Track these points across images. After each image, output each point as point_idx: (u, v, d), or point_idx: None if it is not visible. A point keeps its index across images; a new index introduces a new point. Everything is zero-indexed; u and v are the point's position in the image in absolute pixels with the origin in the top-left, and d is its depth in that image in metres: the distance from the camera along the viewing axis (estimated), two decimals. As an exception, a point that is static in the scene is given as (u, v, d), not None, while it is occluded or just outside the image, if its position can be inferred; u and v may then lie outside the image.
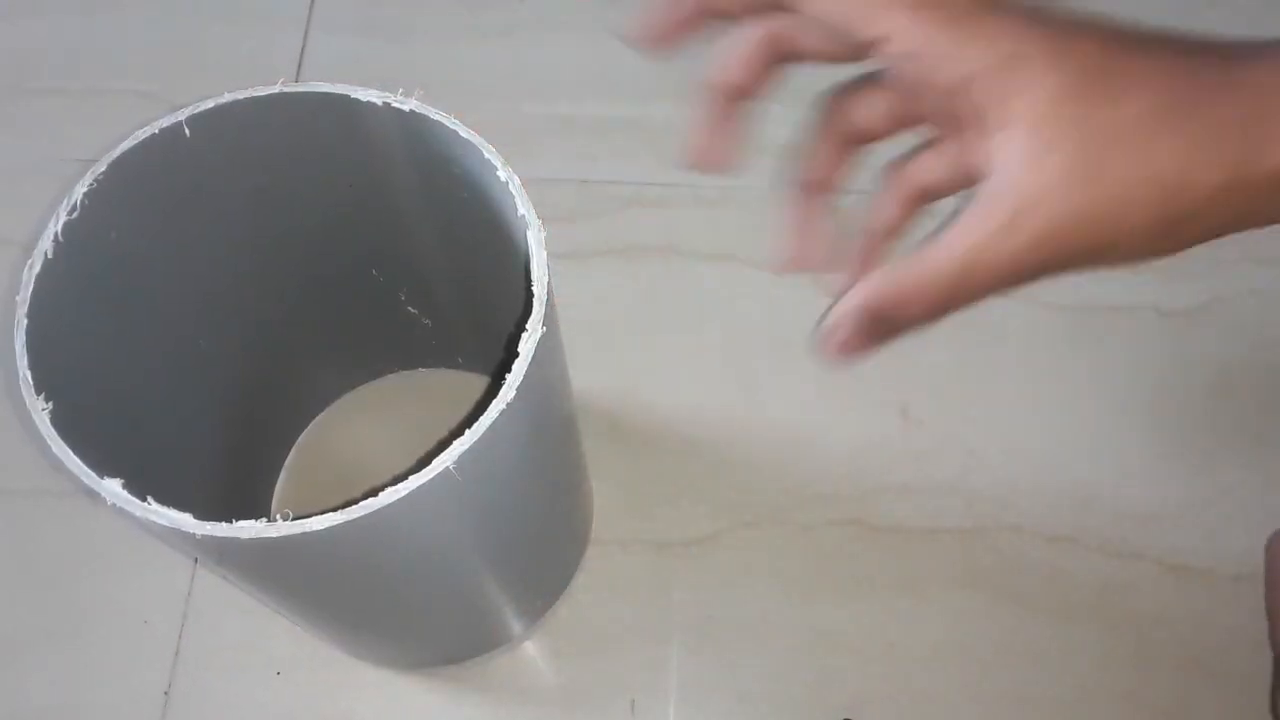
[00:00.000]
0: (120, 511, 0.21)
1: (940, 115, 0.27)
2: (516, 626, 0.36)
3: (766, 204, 0.44)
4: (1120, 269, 0.25)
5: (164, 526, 0.21)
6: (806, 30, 0.28)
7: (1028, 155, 0.25)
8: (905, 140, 0.28)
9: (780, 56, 0.28)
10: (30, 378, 0.22)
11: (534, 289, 0.23)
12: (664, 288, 0.42)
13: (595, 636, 0.36)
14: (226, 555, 0.23)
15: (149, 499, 0.21)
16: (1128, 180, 0.25)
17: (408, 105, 0.24)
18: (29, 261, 0.23)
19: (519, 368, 0.22)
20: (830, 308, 0.28)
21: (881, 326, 0.27)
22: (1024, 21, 0.25)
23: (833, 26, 0.26)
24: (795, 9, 0.27)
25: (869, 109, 0.29)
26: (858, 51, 0.27)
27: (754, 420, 0.40)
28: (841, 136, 0.30)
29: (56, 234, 0.23)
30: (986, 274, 0.25)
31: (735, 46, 0.28)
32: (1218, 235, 0.25)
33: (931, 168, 0.30)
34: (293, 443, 0.39)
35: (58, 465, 0.21)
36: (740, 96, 0.29)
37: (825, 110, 0.30)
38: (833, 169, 0.29)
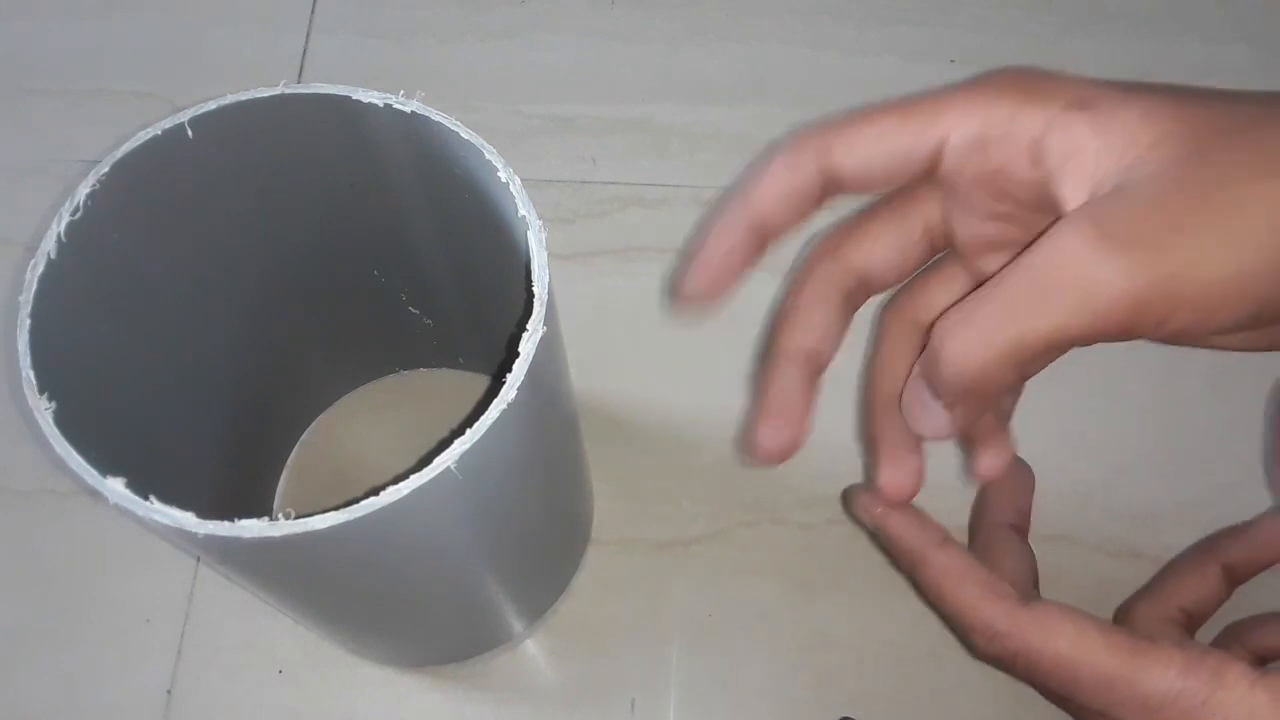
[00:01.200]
0: (123, 511, 0.21)
1: (1005, 212, 0.25)
2: (517, 625, 0.36)
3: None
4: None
5: (167, 525, 0.21)
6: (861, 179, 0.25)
7: (1117, 177, 0.22)
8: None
9: (826, 189, 0.26)
10: (33, 378, 0.22)
11: (534, 289, 0.23)
12: (664, 288, 0.42)
13: (595, 636, 0.37)
14: (229, 554, 0.23)
15: (151, 498, 0.21)
16: (1242, 170, 0.20)
17: (409, 106, 0.25)
18: (32, 262, 0.23)
19: (519, 368, 0.22)
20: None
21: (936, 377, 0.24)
22: (1086, 80, 0.23)
23: (891, 156, 0.24)
24: (844, 169, 0.25)
25: (876, 248, 0.27)
26: (919, 173, 0.25)
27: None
28: (842, 290, 0.27)
29: (59, 234, 0.23)
30: (1038, 345, 0.22)
31: (774, 175, 0.25)
32: None
33: (943, 301, 0.27)
34: (295, 442, 0.39)
35: (60, 465, 0.21)
36: (772, 234, 0.26)
37: (819, 260, 0.27)
38: (830, 334, 0.27)
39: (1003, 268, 0.22)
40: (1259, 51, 0.46)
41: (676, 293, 0.26)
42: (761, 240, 0.26)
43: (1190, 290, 0.20)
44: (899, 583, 0.37)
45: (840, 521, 0.38)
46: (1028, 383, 0.43)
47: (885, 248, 0.27)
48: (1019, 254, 0.22)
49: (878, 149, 0.25)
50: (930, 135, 0.24)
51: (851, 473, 0.39)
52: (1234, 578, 0.33)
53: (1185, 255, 0.20)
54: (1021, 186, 0.24)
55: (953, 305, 0.23)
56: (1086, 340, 0.21)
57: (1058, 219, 0.22)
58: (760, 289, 0.42)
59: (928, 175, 0.25)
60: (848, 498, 0.33)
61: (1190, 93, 0.22)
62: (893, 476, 0.28)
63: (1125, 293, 0.20)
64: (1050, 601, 0.28)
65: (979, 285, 0.25)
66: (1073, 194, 0.22)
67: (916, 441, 0.28)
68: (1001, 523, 0.33)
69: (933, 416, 0.26)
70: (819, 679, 0.36)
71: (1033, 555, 0.33)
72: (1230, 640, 0.33)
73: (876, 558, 0.37)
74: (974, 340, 0.22)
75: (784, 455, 0.26)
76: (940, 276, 0.28)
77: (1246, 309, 0.21)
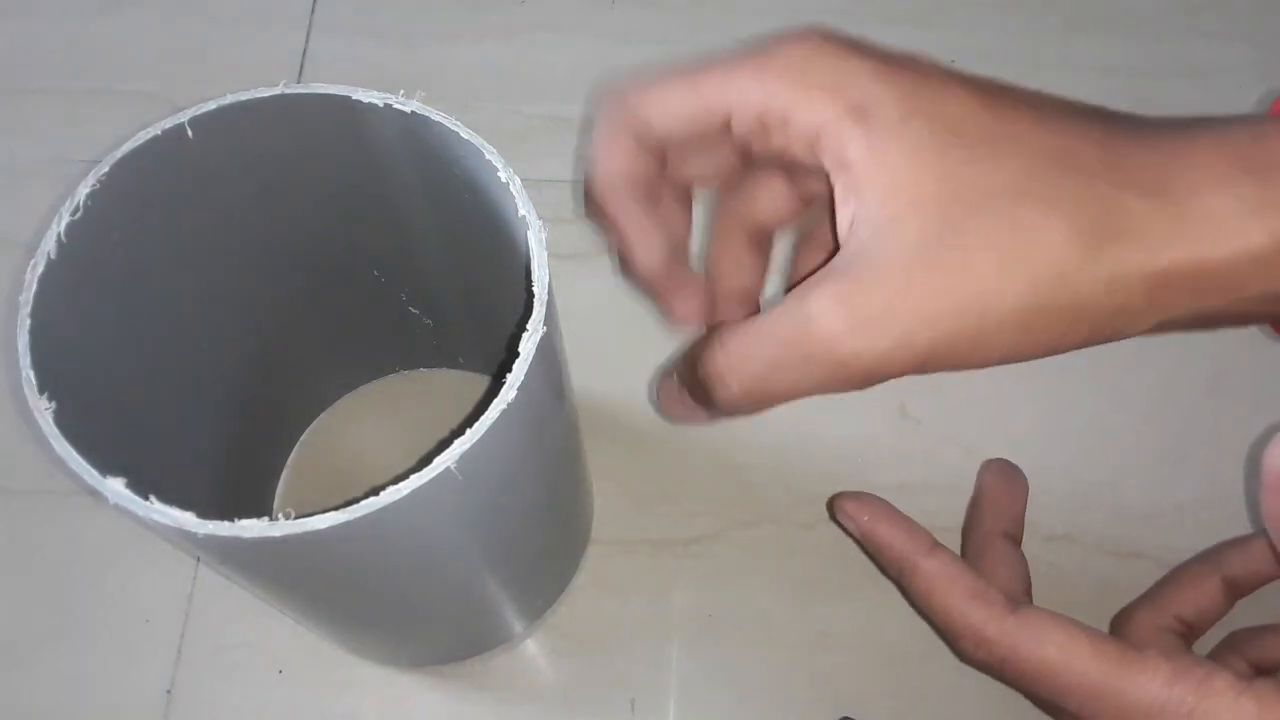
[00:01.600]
0: (123, 511, 0.21)
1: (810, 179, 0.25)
2: (517, 625, 0.36)
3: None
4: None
5: (167, 525, 0.21)
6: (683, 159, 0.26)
7: (874, 234, 0.21)
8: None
9: (653, 143, 0.26)
10: (33, 378, 0.22)
11: (534, 289, 0.23)
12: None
13: (595, 636, 0.37)
14: (229, 554, 0.23)
15: (151, 498, 0.21)
16: (993, 260, 0.21)
17: (409, 106, 0.25)
18: (32, 262, 0.23)
19: (519, 368, 0.22)
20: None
21: (701, 399, 0.25)
22: (877, 67, 0.22)
23: (688, 119, 0.24)
24: (652, 125, 0.25)
25: (766, 195, 0.27)
26: (719, 132, 0.25)
27: (754, 420, 0.40)
28: (744, 230, 0.28)
29: (59, 234, 0.23)
30: (785, 393, 0.23)
31: (609, 138, 0.26)
32: (1113, 336, 0.22)
33: (766, 202, 0.27)
34: (294, 442, 0.39)
35: (60, 465, 0.21)
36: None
37: (720, 205, 0.28)
38: (744, 270, 0.27)
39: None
40: (1259, 51, 0.46)
41: (636, 271, 0.27)
42: (642, 188, 0.26)
43: (941, 361, 0.21)
44: (899, 583, 0.37)
45: (840, 521, 0.38)
46: (1027, 385, 0.43)
47: (702, 169, 0.27)
48: (792, 289, 0.23)
49: (675, 111, 0.25)
50: (716, 107, 0.24)
51: (851, 473, 0.39)
52: (1235, 590, 0.33)
53: (933, 340, 0.21)
54: (804, 164, 0.24)
55: (721, 333, 0.24)
56: (843, 391, 0.22)
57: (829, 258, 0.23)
58: (760, 289, 0.42)
59: (725, 133, 0.25)
60: (834, 506, 0.33)
61: (961, 133, 0.22)
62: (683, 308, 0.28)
63: (876, 366, 0.21)
64: (1039, 609, 0.28)
65: (801, 196, 0.26)
66: (843, 199, 0.22)
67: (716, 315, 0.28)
68: (995, 530, 0.33)
69: (689, 412, 0.27)
70: (819, 679, 0.36)
71: (1025, 563, 0.33)
72: (1228, 651, 0.33)
73: (876, 558, 0.38)
74: (734, 391, 0.24)
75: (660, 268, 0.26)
76: (764, 182, 0.27)
77: (996, 362, 0.22)
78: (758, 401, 0.24)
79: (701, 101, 0.24)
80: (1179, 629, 0.32)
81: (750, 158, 0.26)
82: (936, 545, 0.31)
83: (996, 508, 0.34)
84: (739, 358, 0.23)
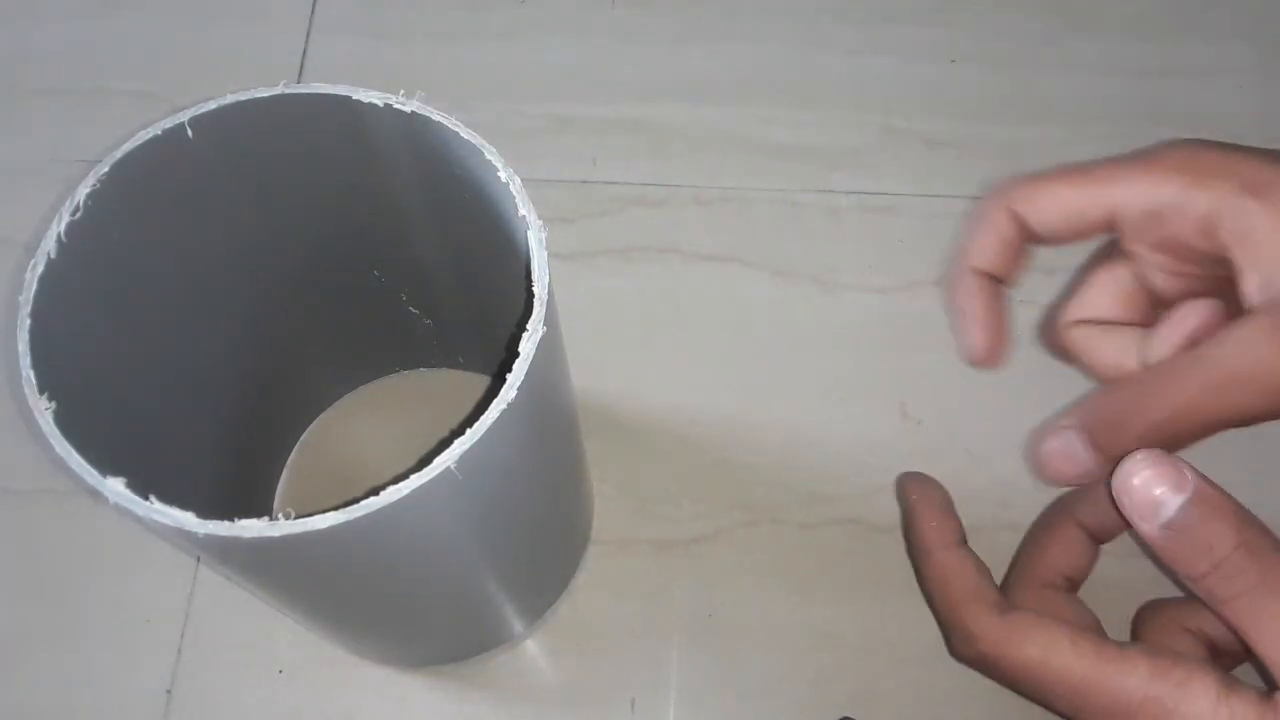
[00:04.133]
0: (123, 510, 0.21)
1: (1193, 274, 0.27)
2: (517, 625, 0.36)
3: (767, 204, 0.44)
4: None
5: (167, 525, 0.21)
6: (1039, 203, 0.28)
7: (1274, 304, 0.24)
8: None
9: (1026, 239, 0.29)
10: (33, 378, 0.22)
11: (535, 289, 0.23)
12: (664, 288, 0.42)
13: (595, 635, 0.37)
14: (229, 554, 0.23)
15: (151, 498, 0.21)
16: None
17: (409, 106, 0.25)
18: (32, 262, 0.23)
19: (519, 367, 0.22)
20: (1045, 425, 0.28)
21: (1100, 450, 0.26)
22: (1262, 155, 0.25)
23: (1067, 217, 0.27)
24: (1029, 223, 0.28)
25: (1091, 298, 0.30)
26: (1096, 231, 0.27)
27: (754, 420, 0.40)
28: (1018, 232, 0.29)
29: (59, 234, 0.23)
30: (1213, 420, 0.25)
31: (982, 232, 0.29)
32: None
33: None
34: (294, 442, 0.39)
35: (60, 465, 0.21)
36: (998, 283, 0.29)
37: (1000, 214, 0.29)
38: (1010, 262, 0.29)
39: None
40: (1259, 52, 0.46)
41: (970, 361, 0.30)
42: (992, 282, 0.29)
43: None
44: (899, 583, 0.37)
45: (840, 521, 0.38)
46: (1027, 386, 0.43)
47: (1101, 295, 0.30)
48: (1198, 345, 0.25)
49: (1055, 209, 0.28)
50: (1101, 203, 0.27)
51: (851, 474, 0.39)
52: (1096, 539, 0.33)
53: None
54: (1195, 252, 0.26)
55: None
56: (1257, 419, 0.25)
57: (1245, 313, 0.25)
58: (756, 290, 0.42)
59: (1107, 232, 0.28)
60: (898, 481, 0.34)
61: None
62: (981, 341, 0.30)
63: None
64: (1027, 610, 0.29)
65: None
66: (1250, 268, 0.25)
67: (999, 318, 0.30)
68: (1068, 514, 0.33)
69: (1078, 467, 0.28)
70: (819, 679, 0.36)
71: (1092, 555, 0.33)
72: (1168, 624, 0.32)
73: (876, 557, 0.38)
74: (1137, 433, 0.26)
75: (989, 356, 0.30)
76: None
77: None
78: (1169, 440, 0.25)
79: (1087, 199, 0.27)
80: (1064, 585, 0.33)
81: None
82: (961, 544, 0.31)
83: (1084, 496, 0.34)
84: (1152, 397, 0.25)
